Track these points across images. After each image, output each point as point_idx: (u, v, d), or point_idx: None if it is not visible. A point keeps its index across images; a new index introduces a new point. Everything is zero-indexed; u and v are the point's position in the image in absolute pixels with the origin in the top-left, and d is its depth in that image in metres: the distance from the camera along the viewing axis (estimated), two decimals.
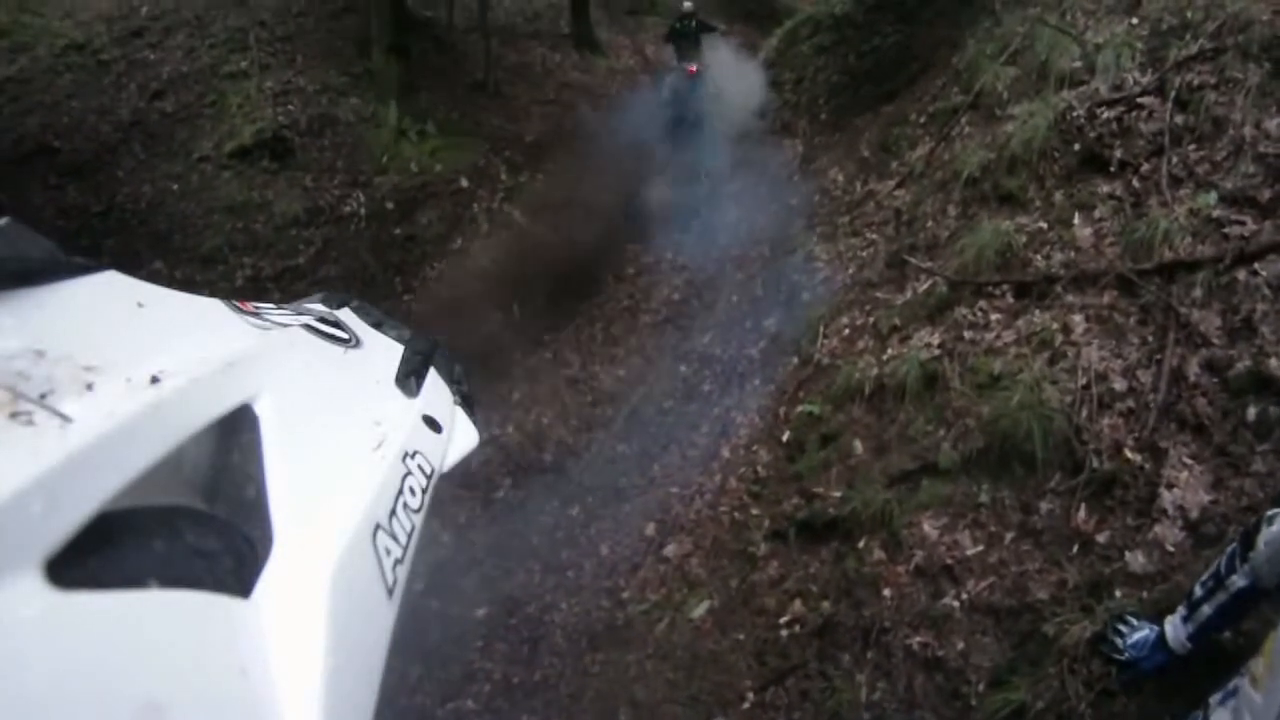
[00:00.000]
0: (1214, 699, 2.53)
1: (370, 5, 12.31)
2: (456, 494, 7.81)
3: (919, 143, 7.79)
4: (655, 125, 13.17)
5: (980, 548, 4.20)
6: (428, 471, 1.24)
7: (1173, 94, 5.11)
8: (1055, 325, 4.66)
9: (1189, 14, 5.52)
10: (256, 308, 1.27)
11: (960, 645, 3.94)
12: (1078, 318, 4.61)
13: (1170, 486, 3.70)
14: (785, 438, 6.07)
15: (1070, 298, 4.73)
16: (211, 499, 1.01)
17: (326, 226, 10.51)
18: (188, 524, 0.86)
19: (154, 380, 0.85)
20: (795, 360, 6.93)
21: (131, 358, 0.87)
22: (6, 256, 0.90)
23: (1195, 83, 5.06)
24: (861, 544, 4.77)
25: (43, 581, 0.64)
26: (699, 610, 5.40)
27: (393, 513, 1.07)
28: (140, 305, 1.04)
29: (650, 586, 5.97)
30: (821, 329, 6.77)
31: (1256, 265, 4.10)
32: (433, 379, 1.49)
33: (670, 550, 6.14)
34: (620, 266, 10.74)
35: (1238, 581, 2.62)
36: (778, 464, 5.95)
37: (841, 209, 8.56)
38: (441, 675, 6.25)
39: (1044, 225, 5.29)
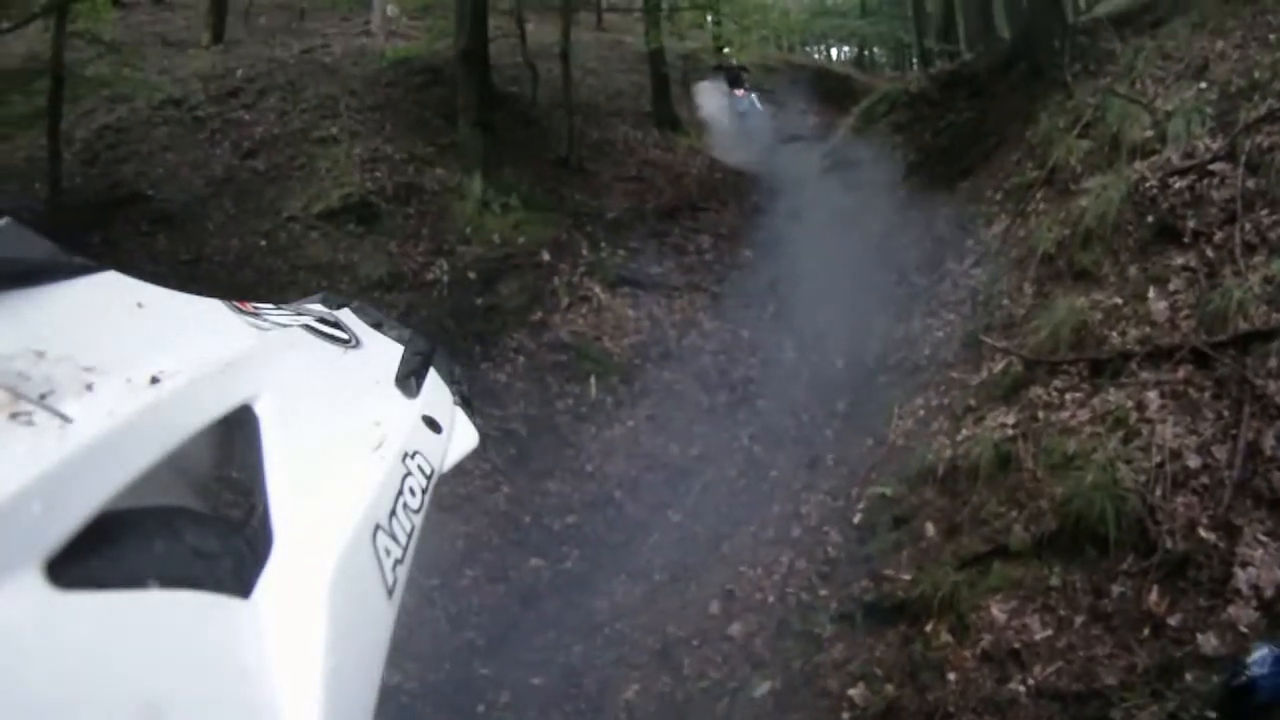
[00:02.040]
0: None
1: (457, 79, 12.57)
2: (528, 561, 7.80)
3: (995, 220, 7.73)
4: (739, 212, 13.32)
5: (1049, 631, 4.07)
6: (428, 472, 1.22)
7: (1243, 158, 5.06)
8: (1130, 403, 4.56)
9: (1256, 74, 5.46)
10: (256, 308, 1.27)
11: None
12: (1152, 394, 4.51)
13: (1245, 565, 3.59)
14: (857, 519, 5.96)
15: (1145, 374, 4.64)
16: (211, 499, 1.03)
17: (410, 292, 10.65)
18: (188, 524, 0.85)
19: (154, 380, 0.85)
20: (870, 441, 6.84)
21: (131, 358, 0.87)
22: (6, 257, 0.89)
23: (1265, 144, 4.99)
24: (929, 627, 4.65)
25: (43, 581, 0.64)
26: (761, 690, 5.29)
27: (393, 513, 1.07)
28: (140, 305, 1.03)
29: (712, 664, 5.88)
30: (896, 409, 6.69)
31: None
32: (433, 379, 1.49)
33: (735, 629, 6.04)
34: (698, 344, 10.71)
35: None
36: (848, 545, 5.84)
37: (917, 289, 8.49)
38: None
39: (1119, 300, 5.20)
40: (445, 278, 10.83)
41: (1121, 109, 6.43)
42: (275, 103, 13.31)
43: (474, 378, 9.38)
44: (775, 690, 5.24)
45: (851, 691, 4.76)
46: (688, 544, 7.72)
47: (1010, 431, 5.15)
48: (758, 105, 18.24)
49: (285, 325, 1.26)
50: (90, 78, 12.20)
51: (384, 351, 1.46)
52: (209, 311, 1.17)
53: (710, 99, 18.44)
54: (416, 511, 1.12)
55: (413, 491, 1.14)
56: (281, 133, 12.69)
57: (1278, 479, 3.73)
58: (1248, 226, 4.76)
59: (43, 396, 0.73)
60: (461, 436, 1.46)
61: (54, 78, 10.44)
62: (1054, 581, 4.23)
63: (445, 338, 10.14)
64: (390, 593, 1.00)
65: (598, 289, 11.16)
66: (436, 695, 6.47)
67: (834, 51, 30.55)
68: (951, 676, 4.30)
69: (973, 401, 5.78)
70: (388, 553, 1.02)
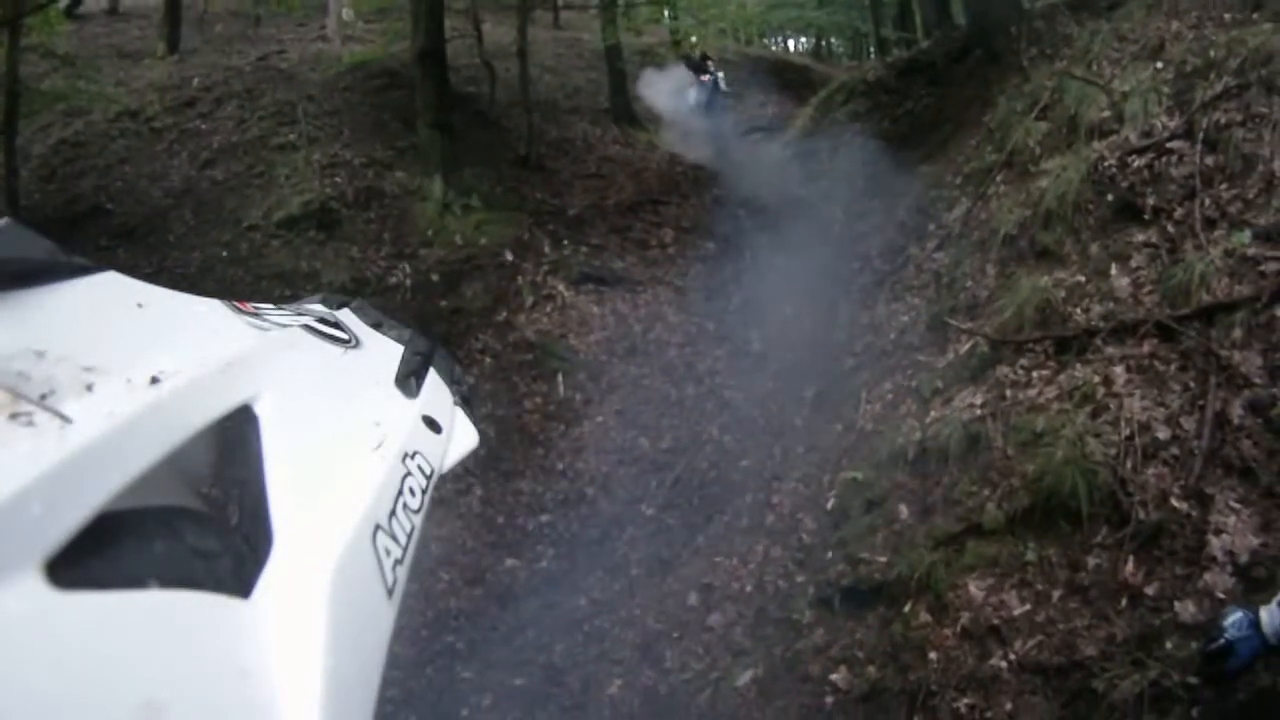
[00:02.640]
0: None
1: (415, 81, 12.52)
2: (504, 562, 7.80)
3: (955, 203, 7.78)
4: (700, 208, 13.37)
5: (1027, 607, 4.11)
6: (428, 472, 1.22)
7: (1201, 135, 5.13)
8: (1096, 378, 4.61)
9: (1212, 53, 5.54)
10: (256, 308, 1.27)
11: (1009, 706, 3.85)
12: (1119, 369, 4.56)
13: (1219, 532, 3.63)
14: (830, 505, 5.99)
15: (1110, 349, 4.69)
16: (211, 499, 1.02)
17: (373, 297, 10.49)
18: (188, 524, 0.86)
19: (154, 380, 0.85)
20: (839, 427, 6.87)
21: (131, 358, 0.87)
22: (6, 257, 0.89)
23: (1223, 121, 5.07)
24: (908, 608, 4.68)
25: (43, 581, 0.64)
26: (743, 679, 5.32)
27: (393, 513, 1.06)
28: (140, 306, 1.03)
29: (694, 655, 5.90)
30: (864, 395, 6.73)
31: None
32: (433, 379, 1.48)
33: (714, 620, 6.06)
34: (664, 338, 10.73)
35: None
36: (822, 531, 5.87)
37: (881, 275, 8.55)
38: None
39: (1081, 278, 5.26)
40: (408, 281, 10.82)
41: (1079, 91, 6.50)
42: (232, 111, 13.27)
43: None
44: (758, 678, 5.25)
45: (834, 676, 4.78)
46: (663, 537, 7.74)
47: (979, 411, 5.19)
48: (723, 86, 18.36)
49: (285, 325, 1.26)
50: (45, 92, 12.14)
51: (384, 351, 1.45)
52: (209, 311, 1.17)
53: (668, 92, 18.49)
54: (416, 511, 1.13)
55: (413, 491, 1.14)
56: (239, 141, 12.65)
57: (1246, 447, 3.78)
58: (1207, 202, 4.82)
59: (43, 396, 0.73)
60: (461, 436, 1.46)
61: (8, 93, 10.33)
62: (1030, 557, 4.26)
63: None
64: (390, 593, 1.00)
65: (561, 287, 11.15)
66: (419, 702, 6.46)
67: (791, 43, 30.69)
68: (933, 656, 4.33)
69: (940, 384, 5.83)
70: (388, 553, 1.02)
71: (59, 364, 0.78)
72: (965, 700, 4.00)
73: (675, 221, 12.87)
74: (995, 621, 4.17)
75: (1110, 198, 5.43)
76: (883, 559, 5.06)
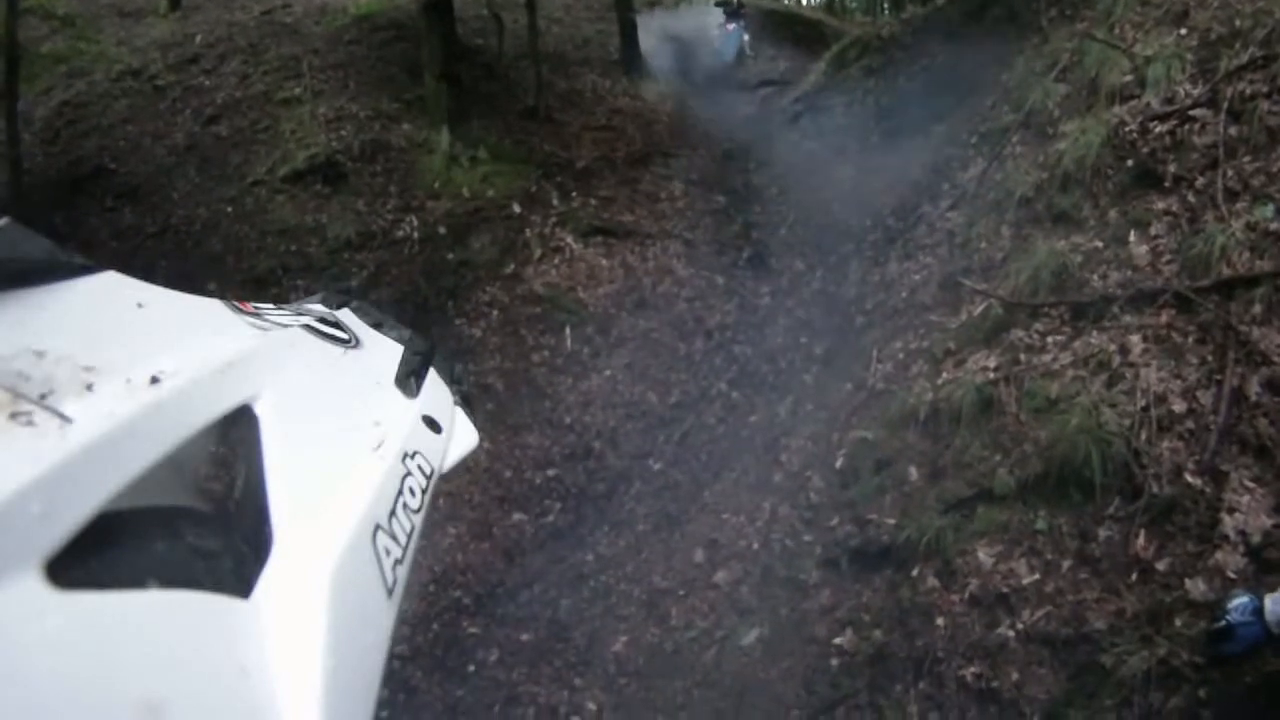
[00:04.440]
0: None
1: (421, 33, 12.41)
2: (510, 516, 7.83)
3: (970, 163, 7.72)
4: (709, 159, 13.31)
5: (1036, 576, 4.11)
6: (428, 471, 1.23)
7: (1225, 105, 5.04)
8: (1113, 347, 4.58)
9: (1238, 22, 5.44)
10: (256, 308, 1.27)
11: (1015, 676, 3.86)
12: (1135, 338, 4.52)
13: (1232, 511, 3.62)
14: (838, 464, 5.98)
15: (1127, 318, 4.65)
16: (211, 499, 1.02)
17: (380, 250, 10.62)
18: (188, 524, 0.87)
19: (154, 380, 0.85)
20: (849, 385, 6.86)
21: (131, 358, 0.87)
22: (6, 257, 0.89)
23: (1248, 92, 4.98)
24: (915, 572, 4.68)
25: (43, 581, 0.64)
26: (748, 638, 5.34)
27: (393, 513, 1.07)
28: (140, 305, 1.03)
29: (699, 613, 5.92)
30: (875, 353, 6.70)
31: None
32: (433, 379, 1.50)
33: (720, 577, 6.08)
34: (673, 292, 10.70)
35: None
36: (830, 490, 5.87)
37: (893, 232, 8.51)
38: (486, 699, 6.23)
39: (1099, 244, 5.20)
40: (415, 234, 10.80)
41: (1100, 53, 6.41)
42: (236, 66, 13.21)
43: (448, 334, 9.46)
44: (763, 638, 5.28)
45: (839, 639, 4.80)
46: (669, 493, 7.76)
47: (992, 375, 5.16)
48: (745, 40, 18.26)
49: (285, 325, 1.26)
50: (46, 54, 12.21)
51: (384, 351, 1.47)
52: (209, 311, 1.18)
53: (681, 39, 18.38)
54: (416, 511, 1.13)
55: (413, 491, 1.15)
56: (244, 97, 12.60)
57: (1263, 425, 3.75)
58: (1230, 173, 4.76)
59: (43, 396, 0.74)
60: (461, 436, 1.49)
61: (8, 58, 10.31)
62: (1040, 525, 4.25)
63: (417, 295, 10.12)
64: (390, 593, 1.00)
65: (570, 239, 11.11)
66: (426, 658, 6.52)
67: None
68: (940, 621, 4.33)
69: (952, 345, 5.79)
70: (388, 553, 1.02)
71: (59, 364, 0.79)
72: (971, 669, 4.02)
73: (685, 174, 12.79)
74: (1004, 589, 4.17)
75: (1130, 163, 5.36)
76: (891, 521, 5.05)
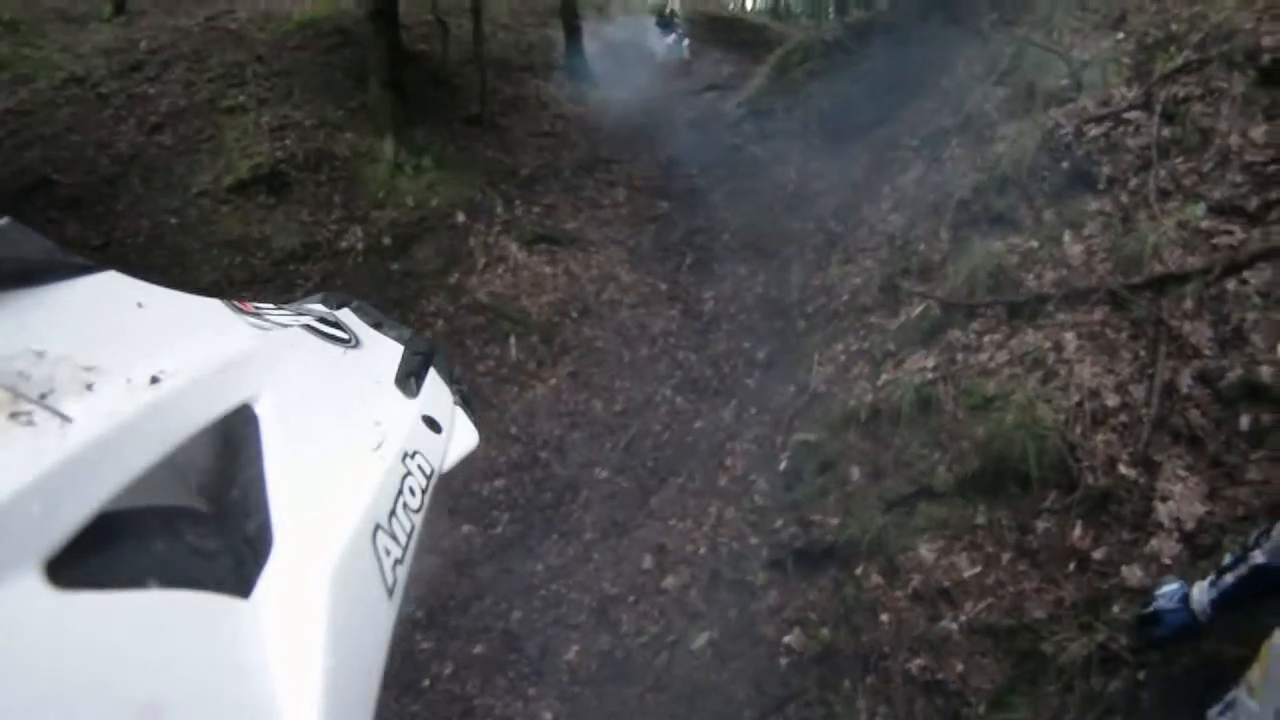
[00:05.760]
0: (1212, 712, 2.52)
1: (366, 40, 12.34)
2: (459, 529, 7.80)
3: (911, 166, 7.84)
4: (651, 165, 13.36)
5: (977, 569, 4.19)
6: (427, 471, 1.24)
7: (1159, 107, 5.19)
8: (1047, 344, 4.69)
9: (1173, 26, 5.60)
10: (256, 308, 1.27)
11: (959, 667, 3.93)
12: (1069, 335, 4.63)
13: (1165, 499, 3.72)
14: (782, 466, 6.03)
15: (1062, 315, 4.77)
16: (211, 499, 1.01)
17: (324, 261, 10.52)
18: (188, 524, 0.87)
19: (154, 380, 0.86)
20: (791, 388, 6.91)
21: (131, 358, 0.88)
22: (6, 257, 0.89)
23: (1181, 95, 5.13)
24: (859, 570, 4.74)
25: (43, 581, 0.65)
26: (699, 641, 5.36)
27: (393, 513, 1.07)
28: (140, 305, 1.04)
29: (649, 619, 5.93)
30: (816, 356, 6.77)
31: (1245, 274, 4.16)
32: (432, 379, 1.50)
33: (669, 583, 6.10)
34: (617, 299, 10.71)
35: (1257, 557, 2.62)
36: (775, 492, 5.92)
37: (834, 235, 8.59)
38: (442, 713, 6.20)
39: (1035, 244, 5.33)
40: (360, 245, 10.72)
41: (1038, 57, 6.56)
42: (180, 74, 12.98)
43: None
44: (713, 640, 5.31)
45: (787, 638, 4.84)
46: (617, 500, 7.76)
47: (930, 375, 5.26)
48: (685, 47, 18.65)
49: (285, 325, 1.26)
50: None
51: (384, 351, 1.47)
52: (209, 311, 1.17)
53: (624, 47, 18.47)
54: (416, 511, 1.13)
55: (413, 491, 1.14)
56: (188, 104, 12.40)
57: (1194, 416, 3.85)
58: (1162, 173, 4.90)
59: (43, 396, 0.74)
60: (461, 436, 1.49)
61: None
62: (979, 520, 4.34)
63: None
64: (390, 593, 1.01)
65: (514, 248, 11.10)
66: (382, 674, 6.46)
67: (749, 1, 30.57)
68: (884, 617, 4.41)
69: (892, 346, 5.90)
70: (388, 553, 1.02)
71: (59, 364, 0.79)
72: (917, 661, 4.08)
73: (628, 181, 12.83)
74: (946, 584, 4.24)
75: (1066, 165, 5.50)
76: (835, 521, 5.12)
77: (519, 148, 13.16)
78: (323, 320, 1.39)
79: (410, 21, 14.09)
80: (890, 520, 4.74)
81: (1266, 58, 4.96)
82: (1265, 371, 3.73)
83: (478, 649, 6.59)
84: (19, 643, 0.62)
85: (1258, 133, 4.66)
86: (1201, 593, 2.87)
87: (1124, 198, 5.02)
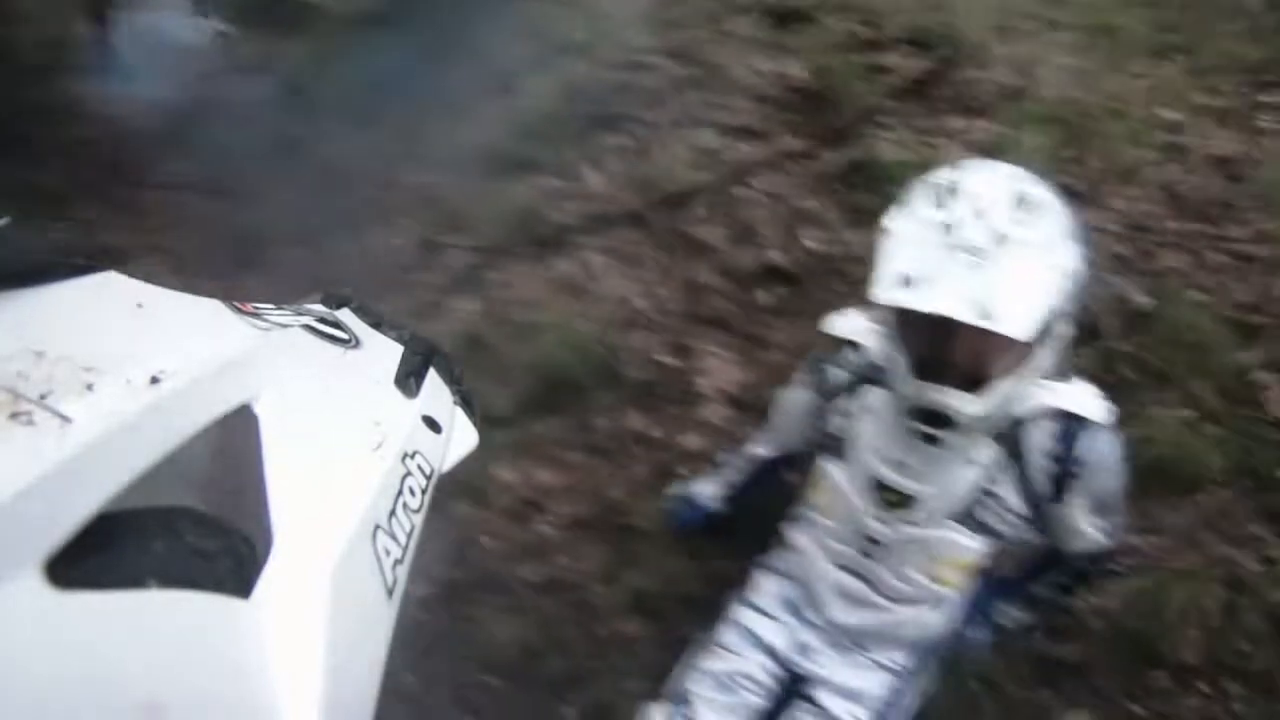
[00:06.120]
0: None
1: None
2: None
3: (443, 127, 7.87)
4: None
5: (556, 475, 4.57)
6: (427, 471, 1.25)
7: (673, 51, 5.96)
8: (577, 268, 5.22)
9: None
10: (256, 308, 1.25)
11: (564, 560, 4.30)
12: (597, 257, 5.20)
13: (705, 375, 4.40)
14: None
15: (588, 240, 5.33)
16: (211, 499, 1.01)
17: None
18: (188, 524, 0.86)
19: (154, 380, 0.86)
20: None
21: (131, 358, 0.88)
22: (6, 257, 0.90)
23: (695, 39, 5.78)
24: (450, 507, 4.74)
25: (43, 581, 0.65)
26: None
27: (392, 513, 1.08)
28: (140, 305, 1.04)
29: None
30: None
31: (751, 181, 4.85)
32: (433, 379, 1.49)
33: None
34: None
35: (759, 451, 3.21)
36: None
37: (376, 204, 8.64)
38: None
39: (559, 183, 5.84)
40: None
41: (561, 14, 7.04)
42: None
43: None
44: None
45: (415, 591, 4.94)
46: None
47: (475, 317, 5.53)
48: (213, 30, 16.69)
49: (285, 325, 1.25)
50: None
51: (384, 351, 1.45)
52: (209, 311, 1.16)
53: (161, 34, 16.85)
54: (416, 511, 1.15)
55: (413, 491, 1.16)
56: None
57: (717, 303, 4.58)
58: (677, 107, 5.68)
59: (43, 397, 0.75)
60: (461, 436, 1.49)
61: None
62: (546, 433, 4.72)
63: None
64: (390, 593, 1.03)
65: None
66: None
67: None
68: (485, 541, 4.60)
69: (434, 297, 6.02)
70: (388, 553, 1.04)
71: (59, 364, 0.80)
72: (525, 566, 4.37)
73: (171, 181, 11.55)
74: (532, 496, 4.56)
75: (586, 109, 6.08)
76: None
77: (47, 159, 12.09)
78: (323, 320, 1.37)
79: None
80: (471, 455, 4.93)
81: (787, 3, 5.69)
82: (774, 255, 4.39)
83: None
84: (19, 643, 0.63)
85: (764, 66, 5.39)
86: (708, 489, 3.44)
87: (640, 132, 5.68)
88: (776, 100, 5.58)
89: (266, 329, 1.19)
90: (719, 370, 4.30)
